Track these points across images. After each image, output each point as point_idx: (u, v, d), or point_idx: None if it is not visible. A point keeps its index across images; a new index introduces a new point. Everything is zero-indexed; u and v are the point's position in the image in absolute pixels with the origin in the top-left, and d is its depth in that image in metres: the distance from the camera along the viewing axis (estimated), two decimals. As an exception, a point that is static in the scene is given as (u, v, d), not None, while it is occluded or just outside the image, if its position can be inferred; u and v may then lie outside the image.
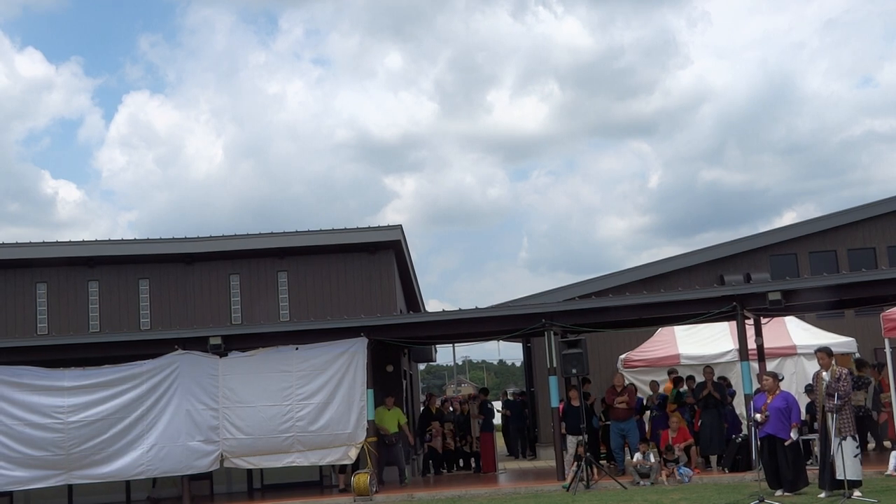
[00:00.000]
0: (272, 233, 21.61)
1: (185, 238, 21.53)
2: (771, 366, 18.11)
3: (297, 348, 17.27)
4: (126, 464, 16.66)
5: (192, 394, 16.91)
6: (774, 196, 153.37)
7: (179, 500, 17.29)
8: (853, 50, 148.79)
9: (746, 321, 17.02)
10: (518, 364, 65.72)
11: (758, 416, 13.29)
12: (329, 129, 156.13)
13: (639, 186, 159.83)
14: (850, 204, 27.81)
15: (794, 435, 13.26)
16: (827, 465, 12.50)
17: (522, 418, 25.73)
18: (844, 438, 12.31)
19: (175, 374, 16.93)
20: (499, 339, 22.56)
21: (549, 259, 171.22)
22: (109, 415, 16.65)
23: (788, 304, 16.87)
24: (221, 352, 17.16)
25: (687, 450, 16.86)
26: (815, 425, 14.33)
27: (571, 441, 17.03)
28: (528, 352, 25.89)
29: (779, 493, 13.17)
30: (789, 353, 19.65)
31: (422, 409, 23.11)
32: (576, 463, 16.01)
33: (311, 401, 17.00)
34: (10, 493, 17.46)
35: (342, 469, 17.61)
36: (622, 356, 21.03)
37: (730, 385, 18.43)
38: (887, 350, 16.75)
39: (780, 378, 13.95)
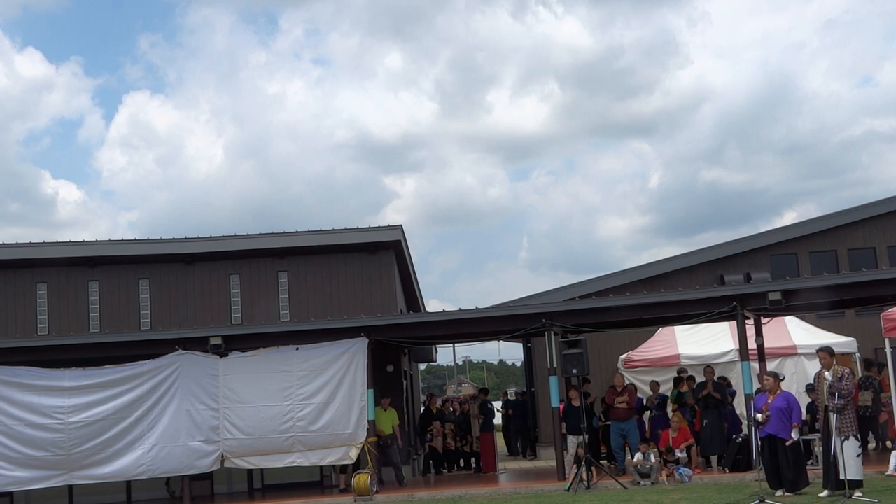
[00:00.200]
0: (272, 233, 21.64)
1: (186, 238, 21.55)
2: (771, 366, 18.09)
3: (297, 348, 17.28)
4: (127, 464, 16.67)
5: (193, 394, 16.92)
6: (774, 196, 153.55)
7: (179, 500, 17.30)
8: (853, 50, 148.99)
9: (747, 321, 17.02)
10: (518, 364, 65.76)
11: (758, 416, 13.28)
12: (329, 129, 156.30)
13: (639, 186, 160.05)
14: (851, 204, 27.80)
15: (794, 435, 13.25)
16: (831, 465, 12.49)
17: (524, 418, 25.75)
18: (846, 438, 12.31)
19: (175, 374, 16.93)
20: (499, 340, 22.59)
21: (550, 259, 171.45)
22: (110, 415, 16.67)
23: (789, 304, 16.88)
24: (222, 352, 17.17)
25: (688, 450, 16.88)
26: (817, 425, 14.34)
27: (572, 441, 17.06)
28: (528, 352, 25.89)
29: (779, 493, 13.16)
30: (790, 353, 19.64)
31: (422, 409, 23.11)
32: (575, 465, 16.01)
33: (312, 401, 17.01)
34: (10, 494, 17.47)
35: (343, 469, 17.62)
36: (622, 356, 21.02)
37: (730, 385, 18.44)
38: (887, 350, 16.77)
39: (781, 378, 13.94)
